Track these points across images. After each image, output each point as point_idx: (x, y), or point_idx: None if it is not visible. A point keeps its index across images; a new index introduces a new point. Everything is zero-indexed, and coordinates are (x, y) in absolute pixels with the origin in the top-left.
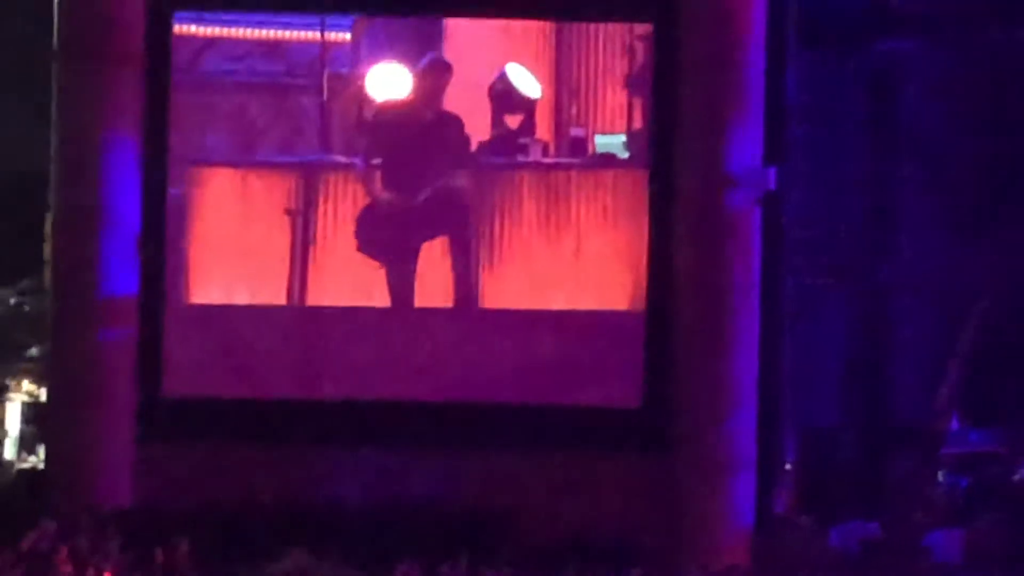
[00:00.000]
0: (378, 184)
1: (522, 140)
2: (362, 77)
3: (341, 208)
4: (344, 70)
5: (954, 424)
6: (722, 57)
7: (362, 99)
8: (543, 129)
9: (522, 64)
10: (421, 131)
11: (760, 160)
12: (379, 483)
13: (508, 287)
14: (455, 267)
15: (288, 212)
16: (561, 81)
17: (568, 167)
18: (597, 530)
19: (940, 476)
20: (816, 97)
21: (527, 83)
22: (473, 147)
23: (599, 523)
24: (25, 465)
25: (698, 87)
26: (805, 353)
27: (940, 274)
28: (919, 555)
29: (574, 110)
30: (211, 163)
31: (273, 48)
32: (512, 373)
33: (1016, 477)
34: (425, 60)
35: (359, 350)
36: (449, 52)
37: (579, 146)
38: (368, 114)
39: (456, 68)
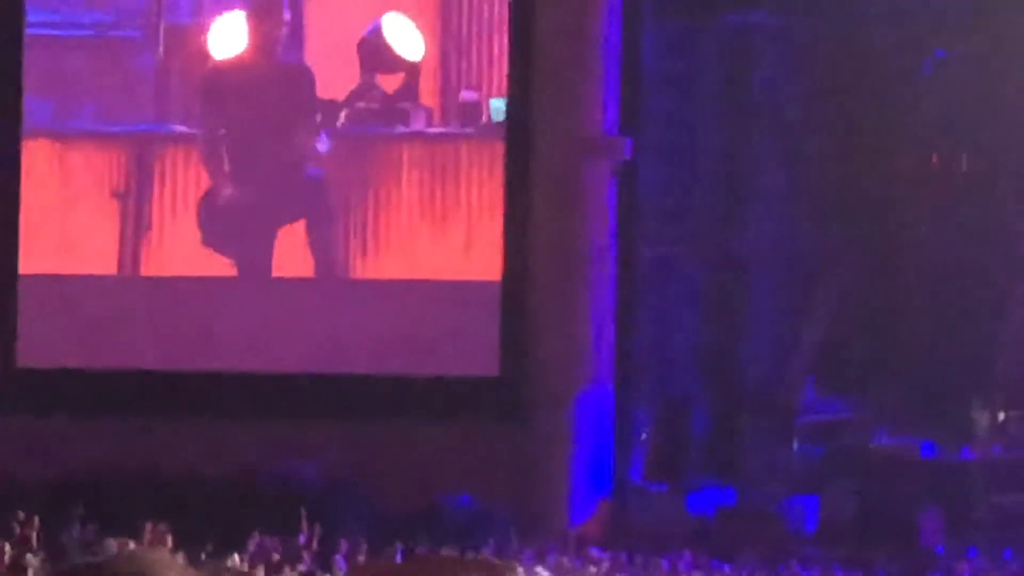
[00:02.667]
0: (222, 161)
1: (402, 105)
2: (206, 29)
3: (182, 190)
4: (185, 20)
5: (809, 393)
6: (577, 25)
7: (205, 56)
8: (427, 93)
9: (404, 15)
10: (260, 91)
11: (616, 129)
12: (235, 455)
13: (370, 258)
14: (312, 247)
15: (117, 195)
16: (448, 35)
17: (456, 137)
18: (455, 499)
19: (795, 444)
20: (672, 67)
21: (407, 38)
22: (342, 114)
23: (457, 492)
24: None
25: (554, 56)
26: (661, 322)
27: (793, 244)
28: (774, 522)
29: (464, 69)
30: (23, 133)
31: None
32: (369, 344)
33: (870, 445)
34: (252, 3)
35: (215, 321)
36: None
37: (471, 112)
38: (209, 74)
39: (326, 20)
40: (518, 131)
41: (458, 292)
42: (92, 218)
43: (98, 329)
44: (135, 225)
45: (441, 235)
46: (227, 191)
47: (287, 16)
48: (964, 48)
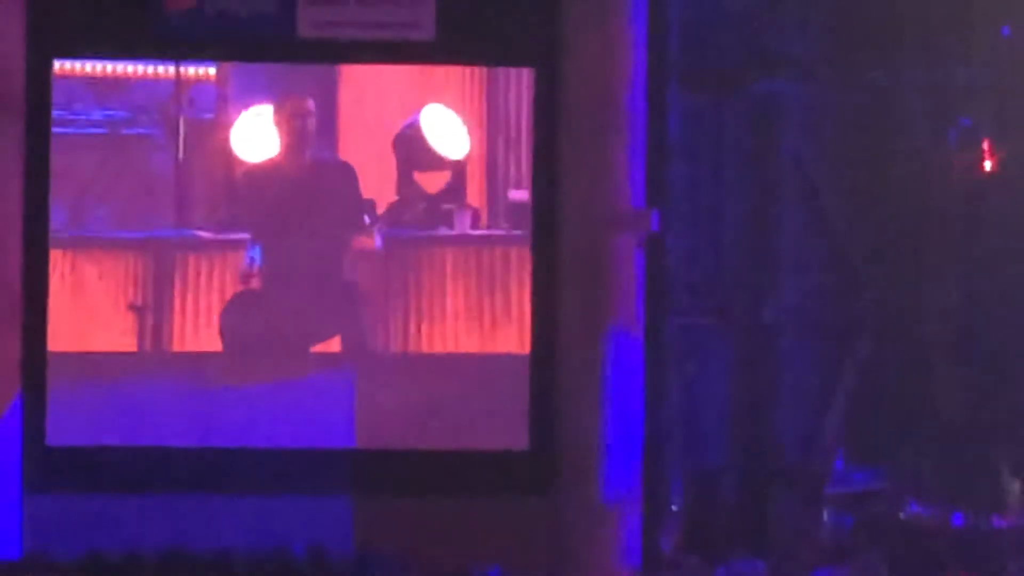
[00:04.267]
0: (249, 268)
1: (446, 207)
2: (230, 124)
3: (204, 302)
4: (206, 115)
5: (838, 463)
6: (602, 100)
7: (229, 154)
8: (473, 190)
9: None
10: (292, 193)
11: (642, 202)
12: (265, 530)
13: (396, 334)
14: (344, 353)
15: (134, 309)
16: (496, 128)
17: (506, 241)
18: (486, 571)
19: (825, 515)
20: (698, 138)
21: (448, 134)
22: (381, 217)
23: (488, 564)
24: None
25: (579, 130)
26: (690, 394)
27: (822, 313)
28: None
29: (513, 165)
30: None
31: (112, 87)
32: (399, 418)
33: (901, 515)
34: (277, 102)
35: (245, 396)
36: (349, 93)
37: (521, 213)
38: (235, 174)
39: (361, 114)
40: (543, 205)
41: (487, 365)
42: (106, 334)
43: (127, 406)
44: (153, 341)
45: (474, 313)
46: (257, 302)
47: (313, 108)
48: (991, 116)
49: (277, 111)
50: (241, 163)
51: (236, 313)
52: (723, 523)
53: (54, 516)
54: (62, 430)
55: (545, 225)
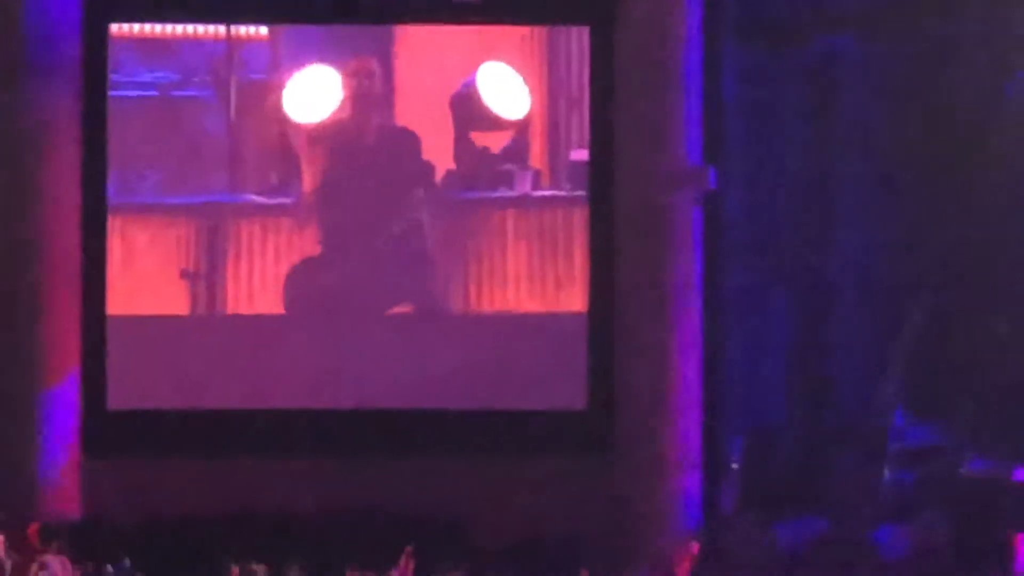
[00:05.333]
0: (315, 235)
1: (506, 167)
2: (282, 86)
3: (259, 269)
4: (259, 76)
5: (899, 419)
6: (658, 56)
7: (283, 116)
8: (535, 151)
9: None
10: (358, 156)
11: (699, 159)
12: (325, 492)
13: (458, 295)
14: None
15: (186, 276)
16: (557, 89)
17: (566, 201)
18: (546, 532)
19: (886, 472)
20: (755, 95)
21: (506, 93)
22: (440, 179)
23: (548, 525)
24: None
25: (635, 88)
26: (749, 352)
27: (881, 268)
28: (866, 551)
29: (575, 125)
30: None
31: (160, 48)
32: (459, 379)
33: (961, 471)
34: (342, 63)
35: (308, 357)
36: (404, 54)
37: (581, 173)
38: (292, 137)
39: (417, 72)
40: (600, 163)
41: (545, 325)
42: (159, 302)
43: (187, 368)
44: (207, 309)
45: (535, 273)
46: (321, 269)
47: (377, 69)
48: None
49: (342, 72)
50: (296, 126)
51: (300, 277)
52: (783, 481)
53: (113, 479)
54: (121, 394)
55: (602, 183)
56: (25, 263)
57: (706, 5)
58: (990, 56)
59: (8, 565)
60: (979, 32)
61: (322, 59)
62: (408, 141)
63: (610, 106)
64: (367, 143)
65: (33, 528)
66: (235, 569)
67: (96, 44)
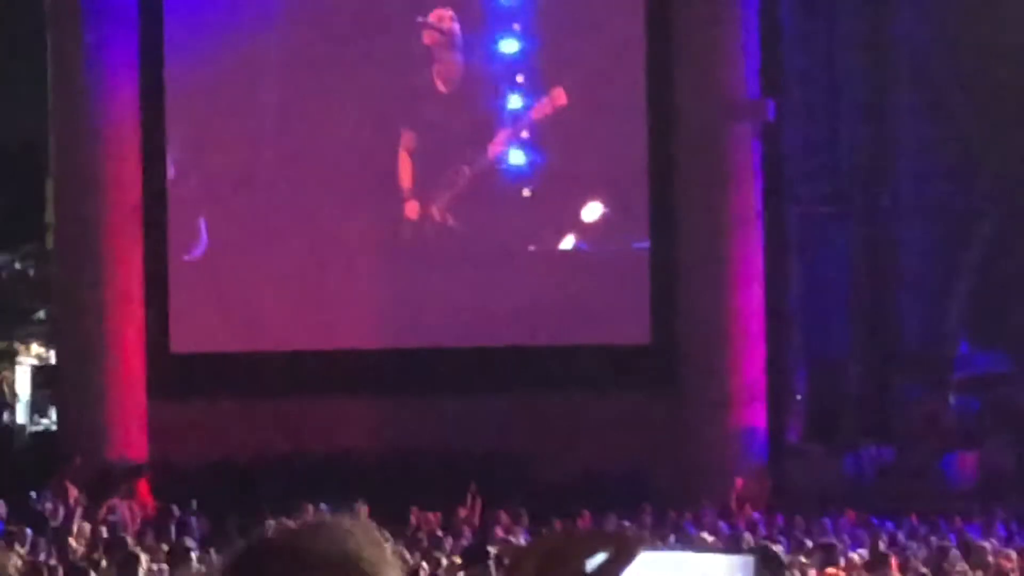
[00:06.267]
0: None
1: None
2: None
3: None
4: None
5: (962, 347)
6: None
7: None
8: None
9: None
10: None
11: (758, 91)
12: (391, 431)
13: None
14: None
15: None
16: None
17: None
18: (611, 467)
19: (951, 400)
20: (812, 27)
21: None
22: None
23: (613, 461)
24: (38, 428)
25: (692, 20)
26: (811, 283)
27: (941, 198)
28: (934, 478)
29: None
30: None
31: None
32: (520, 315)
33: None
34: None
35: (368, 298)
36: None
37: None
38: None
39: None
40: (661, 97)
41: (607, 260)
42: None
43: (245, 313)
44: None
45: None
46: None
47: None
48: None
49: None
50: None
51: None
52: (848, 412)
53: (179, 422)
54: (184, 338)
55: (662, 116)
56: (87, 209)
57: None
58: None
59: (79, 509)
60: None
61: None
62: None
63: (668, 39)
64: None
65: (144, 482)
66: (308, 507)
67: None
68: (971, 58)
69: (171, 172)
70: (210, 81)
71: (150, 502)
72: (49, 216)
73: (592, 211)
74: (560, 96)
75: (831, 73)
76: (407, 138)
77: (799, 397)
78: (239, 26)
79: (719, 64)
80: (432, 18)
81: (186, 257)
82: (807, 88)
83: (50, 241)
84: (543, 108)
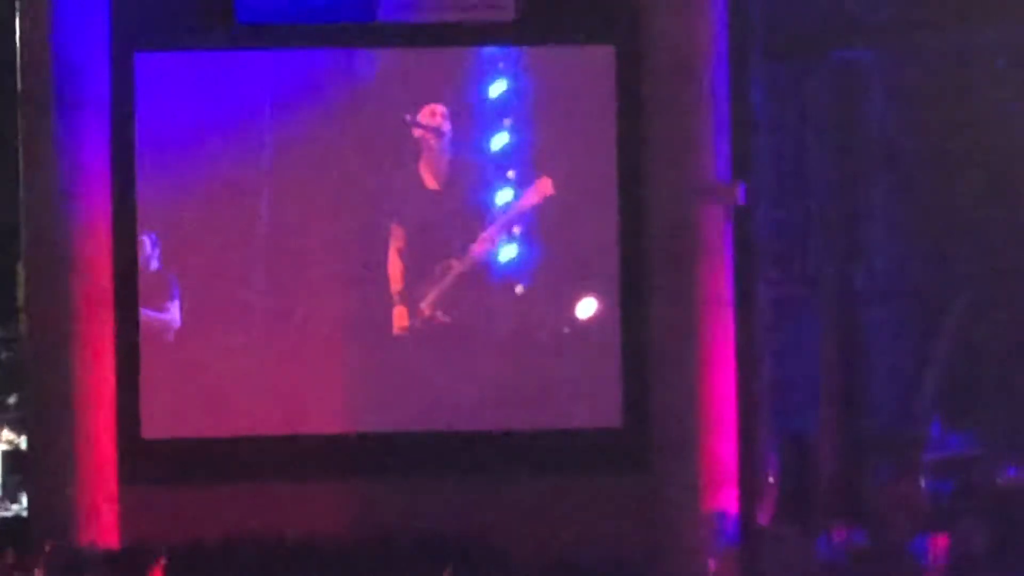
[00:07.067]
0: None
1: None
2: None
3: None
4: None
5: (935, 428)
6: (685, 74)
7: None
8: None
9: None
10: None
11: (729, 175)
12: (361, 515)
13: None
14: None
15: None
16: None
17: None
18: (585, 551)
19: (923, 481)
20: (782, 109)
21: None
22: None
23: (587, 544)
24: (8, 514)
25: (662, 105)
26: (783, 363)
27: (913, 278)
28: (906, 560)
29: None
30: None
31: None
32: (492, 399)
33: (999, 479)
34: None
35: (336, 382)
36: None
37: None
38: None
39: None
40: (630, 180)
41: (579, 344)
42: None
43: (219, 397)
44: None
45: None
46: None
47: None
48: None
49: None
50: None
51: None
52: (820, 493)
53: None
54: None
55: (631, 200)
56: (58, 293)
57: (732, 21)
58: (1012, 63)
59: None
60: (999, 40)
61: None
62: None
63: (638, 124)
64: None
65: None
66: None
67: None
68: (941, 139)
69: (143, 255)
70: (185, 167)
71: None
72: (21, 299)
73: (569, 298)
74: (547, 185)
75: (801, 154)
76: (396, 233)
77: (771, 479)
78: (218, 113)
79: (689, 147)
80: (422, 115)
81: (158, 341)
82: (778, 170)
83: (22, 325)
84: (530, 198)
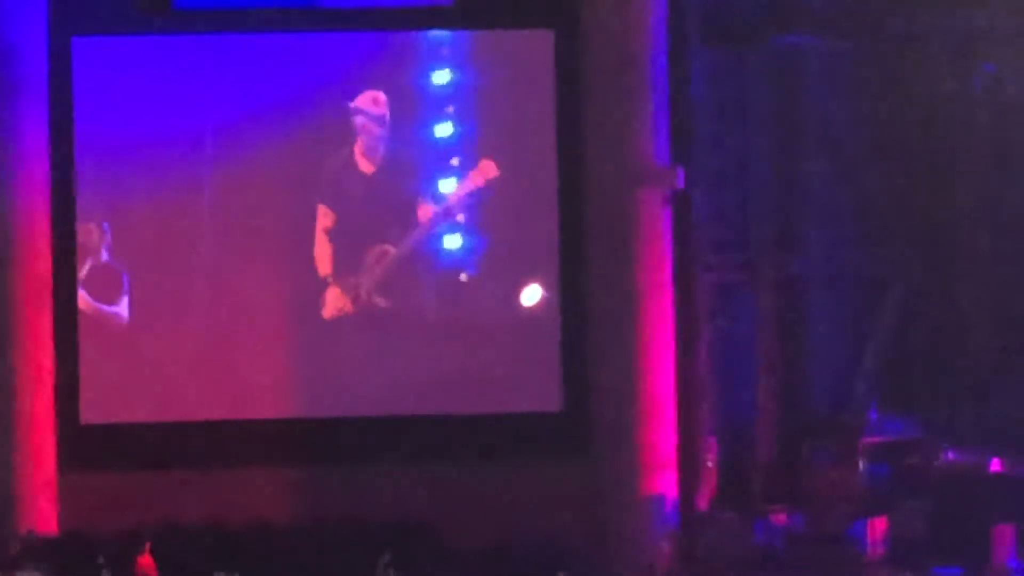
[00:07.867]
0: None
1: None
2: None
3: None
4: None
5: (873, 413)
6: (623, 59)
7: None
8: None
9: None
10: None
11: (667, 159)
12: (300, 500)
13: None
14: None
15: None
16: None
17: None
18: (524, 536)
19: (861, 465)
20: (721, 95)
21: None
22: None
23: (527, 528)
24: None
25: (601, 90)
26: (721, 350)
27: (851, 265)
28: (844, 545)
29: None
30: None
31: None
32: (431, 384)
33: (936, 463)
34: None
35: (275, 368)
36: None
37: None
38: None
39: None
40: (570, 164)
41: (518, 328)
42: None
43: (159, 382)
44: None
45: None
46: None
47: None
48: (1015, 62)
49: None
50: None
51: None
52: (759, 478)
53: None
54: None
55: (571, 185)
56: None
57: (671, 8)
58: (951, 51)
59: None
60: (944, 25)
61: None
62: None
63: (577, 109)
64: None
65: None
66: None
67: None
68: (881, 128)
69: (81, 241)
70: (123, 151)
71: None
72: None
73: (512, 283)
74: (490, 168)
75: (741, 141)
76: (324, 214)
77: (709, 464)
78: (157, 98)
79: (628, 132)
80: (362, 102)
81: (98, 327)
82: (717, 156)
83: None
84: (474, 180)
